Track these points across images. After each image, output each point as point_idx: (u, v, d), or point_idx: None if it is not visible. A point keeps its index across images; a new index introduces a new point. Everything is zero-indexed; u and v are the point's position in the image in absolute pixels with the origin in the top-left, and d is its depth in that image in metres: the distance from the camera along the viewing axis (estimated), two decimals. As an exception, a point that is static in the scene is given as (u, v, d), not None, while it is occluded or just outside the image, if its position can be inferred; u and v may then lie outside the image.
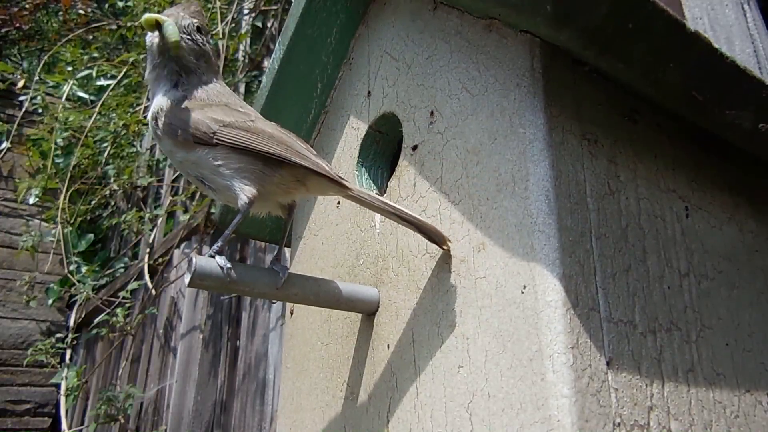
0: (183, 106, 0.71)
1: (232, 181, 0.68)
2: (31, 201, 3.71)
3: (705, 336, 0.69)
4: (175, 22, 0.70)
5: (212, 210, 2.46)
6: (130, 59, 3.13)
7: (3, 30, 4.63)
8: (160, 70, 0.73)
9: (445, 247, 0.67)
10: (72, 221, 3.40)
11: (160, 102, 0.73)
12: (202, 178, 0.71)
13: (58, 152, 3.55)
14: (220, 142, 0.68)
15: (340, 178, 0.69)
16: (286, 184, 0.70)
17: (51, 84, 3.90)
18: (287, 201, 0.74)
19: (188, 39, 0.72)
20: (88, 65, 3.52)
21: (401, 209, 0.67)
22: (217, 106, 0.71)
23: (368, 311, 0.75)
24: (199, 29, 0.73)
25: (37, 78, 4.00)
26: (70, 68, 3.62)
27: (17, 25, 4.62)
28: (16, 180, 3.87)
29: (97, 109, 3.17)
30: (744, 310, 0.75)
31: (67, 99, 3.61)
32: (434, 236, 0.67)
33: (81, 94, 3.75)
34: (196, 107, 0.71)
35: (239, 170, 0.68)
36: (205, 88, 0.74)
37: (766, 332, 0.77)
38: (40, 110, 3.81)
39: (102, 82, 3.55)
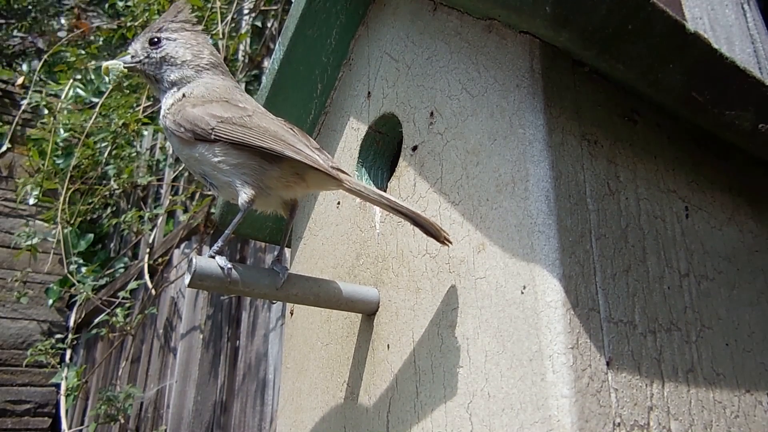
0: (184, 104, 0.73)
1: (232, 178, 0.69)
2: (32, 202, 3.71)
3: (705, 336, 0.69)
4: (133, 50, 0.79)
5: (212, 210, 2.46)
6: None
7: (18, 48, 4.66)
8: (149, 83, 0.80)
9: (442, 241, 0.64)
10: (72, 221, 3.40)
11: (165, 102, 0.76)
12: (204, 175, 0.72)
13: (58, 153, 3.55)
14: (218, 138, 0.69)
15: (338, 170, 0.68)
16: (285, 179, 0.70)
17: (53, 85, 3.90)
18: (289, 197, 0.74)
19: (142, 56, 0.78)
20: (99, 65, 3.53)
21: (397, 202, 0.66)
22: (216, 102, 0.72)
23: (368, 311, 0.75)
24: (151, 41, 0.78)
25: (37, 78, 4.00)
26: (70, 69, 3.62)
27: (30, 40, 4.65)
28: (17, 180, 3.86)
29: (97, 110, 3.17)
30: (744, 310, 0.75)
31: (68, 99, 3.60)
32: (431, 229, 0.65)
33: (82, 93, 3.75)
34: (197, 104, 0.72)
35: (238, 166, 0.69)
36: (204, 84, 0.75)
37: (766, 332, 0.77)
38: (42, 111, 3.81)
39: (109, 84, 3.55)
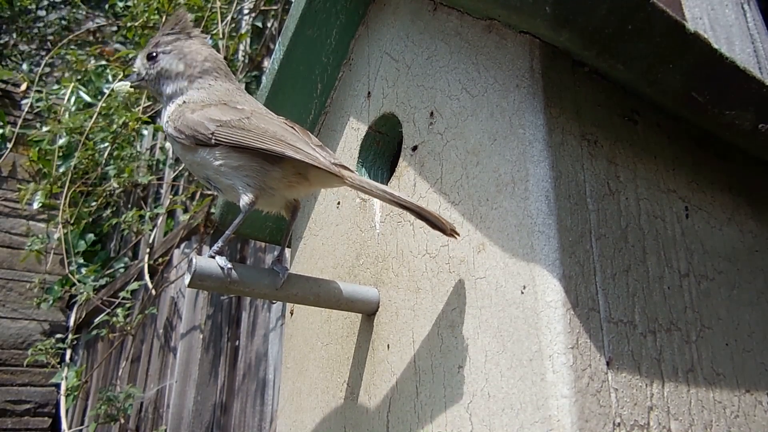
0: (183, 110, 0.73)
1: (234, 181, 0.69)
2: (35, 206, 3.71)
3: (705, 336, 0.69)
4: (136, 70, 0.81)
5: (212, 210, 2.46)
6: (129, 56, 3.14)
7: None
8: (156, 94, 0.80)
9: (449, 233, 0.63)
10: (72, 222, 3.40)
11: (168, 109, 0.76)
12: (208, 179, 0.72)
13: (60, 154, 3.55)
14: (218, 141, 0.69)
15: (340, 167, 0.67)
16: (288, 179, 0.70)
17: (55, 87, 3.90)
18: (292, 197, 0.74)
19: (144, 73, 0.79)
20: (99, 65, 3.54)
21: (401, 196, 0.65)
22: (215, 105, 0.72)
23: (368, 311, 0.76)
24: (148, 56, 0.79)
25: (38, 79, 4.01)
26: (72, 73, 3.62)
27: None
28: (19, 186, 3.86)
29: (97, 110, 3.17)
30: (744, 310, 0.75)
31: (71, 103, 3.60)
32: (437, 222, 0.63)
33: (86, 97, 3.74)
34: (196, 109, 0.72)
35: (239, 168, 0.69)
36: (206, 89, 0.76)
37: (766, 332, 0.77)
38: (44, 114, 3.81)
39: (109, 84, 3.55)
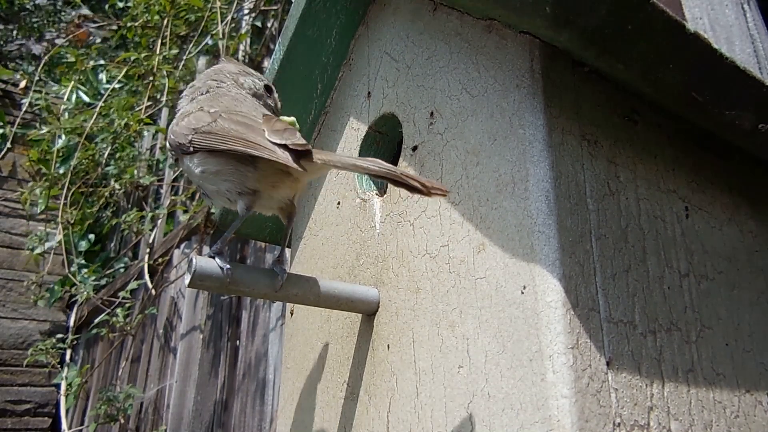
0: (173, 125, 0.75)
1: (218, 186, 0.69)
2: (38, 211, 3.71)
3: (705, 336, 0.69)
4: None
5: (212, 210, 2.45)
6: (132, 58, 3.14)
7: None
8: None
9: (428, 192, 0.59)
10: (73, 222, 3.40)
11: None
12: (198, 186, 0.73)
13: (59, 155, 3.55)
14: (195, 149, 0.70)
15: (301, 152, 0.63)
16: (268, 179, 0.68)
17: (54, 87, 3.90)
18: (282, 196, 0.72)
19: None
20: (98, 65, 3.54)
21: (369, 166, 0.61)
22: (193, 113, 0.73)
23: (368, 311, 0.75)
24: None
25: (37, 79, 4.01)
26: (71, 71, 3.62)
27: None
28: (21, 191, 3.86)
29: (97, 110, 3.17)
30: (744, 310, 0.75)
31: (71, 102, 3.60)
32: (414, 184, 0.59)
33: (85, 96, 3.73)
34: (179, 121, 0.74)
35: (218, 174, 0.69)
36: (197, 99, 0.78)
37: (766, 332, 0.77)
38: (44, 113, 3.81)
39: (108, 85, 3.56)
